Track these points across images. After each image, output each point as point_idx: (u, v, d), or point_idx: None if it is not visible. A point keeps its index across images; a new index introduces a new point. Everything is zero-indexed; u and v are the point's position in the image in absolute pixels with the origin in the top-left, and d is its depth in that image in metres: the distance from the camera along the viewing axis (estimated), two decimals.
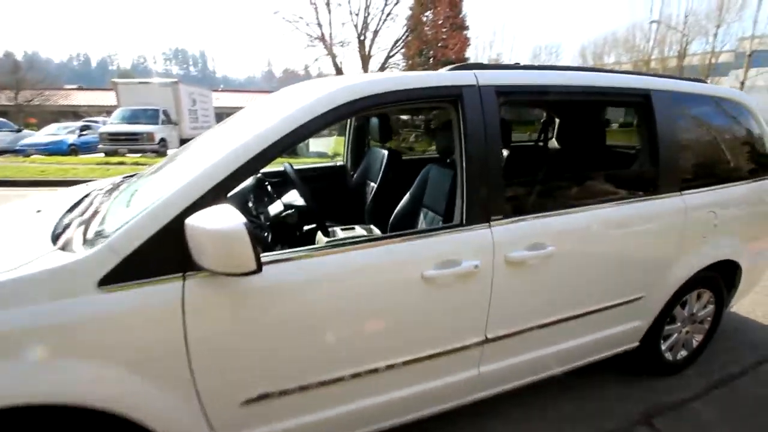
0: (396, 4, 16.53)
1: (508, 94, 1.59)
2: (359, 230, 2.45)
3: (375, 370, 1.45)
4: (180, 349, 1.14)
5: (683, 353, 2.45)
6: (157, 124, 14.10)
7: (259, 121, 1.34)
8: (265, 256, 1.23)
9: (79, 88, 33.84)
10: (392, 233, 1.42)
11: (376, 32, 16.82)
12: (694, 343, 2.48)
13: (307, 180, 3.00)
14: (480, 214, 1.52)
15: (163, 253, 1.11)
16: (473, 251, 1.49)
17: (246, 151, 1.22)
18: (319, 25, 16.19)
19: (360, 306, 1.38)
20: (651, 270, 2.00)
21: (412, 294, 1.43)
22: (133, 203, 1.42)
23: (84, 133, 16.25)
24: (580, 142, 2.10)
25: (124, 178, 2.03)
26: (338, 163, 3.20)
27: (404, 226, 2.27)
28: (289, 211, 1.61)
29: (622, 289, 1.95)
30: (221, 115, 20.83)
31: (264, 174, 2.21)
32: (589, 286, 1.84)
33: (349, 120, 3.09)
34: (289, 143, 1.26)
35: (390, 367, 1.47)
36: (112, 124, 14.19)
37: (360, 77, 1.47)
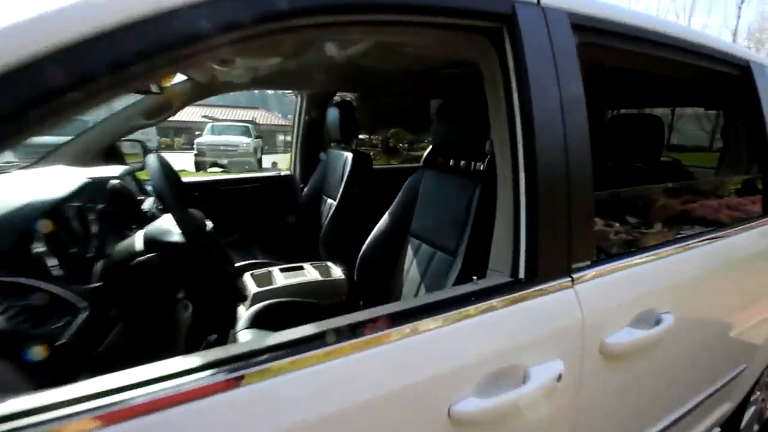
0: None
1: (589, 31, 0.85)
2: (310, 271, 1.61)
3: None
4: None
5: (756, 429, 1.81)
6: None
7: None
8: None
9: None
10: (387, 313, 0.60)
11: None
12: (767, 413, 1.85)
13: (234, 195, 2.14)
14: (555, 260, 0.74)
15: None
16: (548, 339, 0.70)
17: None
18: None
19: None
20: (760, 327, 1.33)
21: None
22: None
23: None
24: (661, 132, 1.40)
25: None
26: (282, 173, 2.34)
27: (381, 265, 1.46)
28: (142, 258, 0.75)
29: (729, 363, 1.26)
30: (167, 129, 19.23)
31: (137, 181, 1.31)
32: (700, 370, 1.11)
33: (296, 113, 2.26)
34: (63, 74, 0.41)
35: None
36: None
37: None
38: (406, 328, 0.59)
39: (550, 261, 0.73)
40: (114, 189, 1.00)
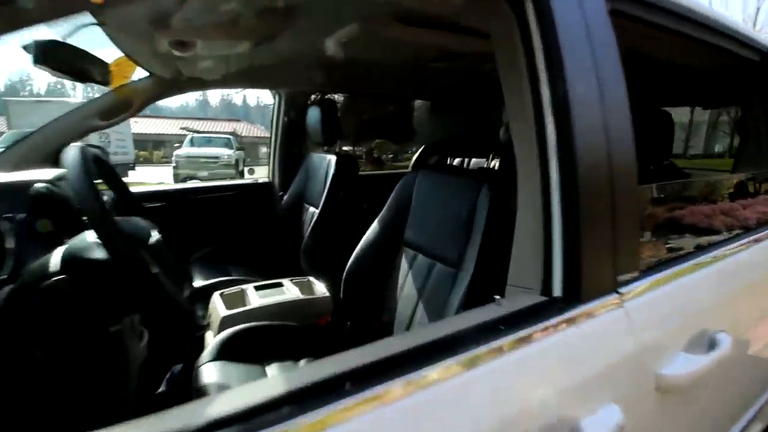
0: None
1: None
2: (290, 288, 1.41)
3: None
4: None
5: None
6: None
7: None
8: None
9: None
10: (385, 357, 0.42)
11: None
12: None
13: (205, 204, 1.94)
14: (599, 272, 0.58)
15: None
16: (599, 377, 0.53)
17: None
18: None
19: None
20: None
21: None
22: None
23: None
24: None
25: None
26: (260, 180, 2.15)
27: (370, 280, 1.28)
28: (51, 281, 0.57)
29: (766, 381, 1.12)
30: (145, 142, 18.72)
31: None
32: (747, 392, 0.97)
33: (274, 115, 2.08)
34: None
35: None
36: None
37: None
38: (416, 376, 0.41)
39: (593, 273, 0.57)
40: (39, 195, 0.80)
